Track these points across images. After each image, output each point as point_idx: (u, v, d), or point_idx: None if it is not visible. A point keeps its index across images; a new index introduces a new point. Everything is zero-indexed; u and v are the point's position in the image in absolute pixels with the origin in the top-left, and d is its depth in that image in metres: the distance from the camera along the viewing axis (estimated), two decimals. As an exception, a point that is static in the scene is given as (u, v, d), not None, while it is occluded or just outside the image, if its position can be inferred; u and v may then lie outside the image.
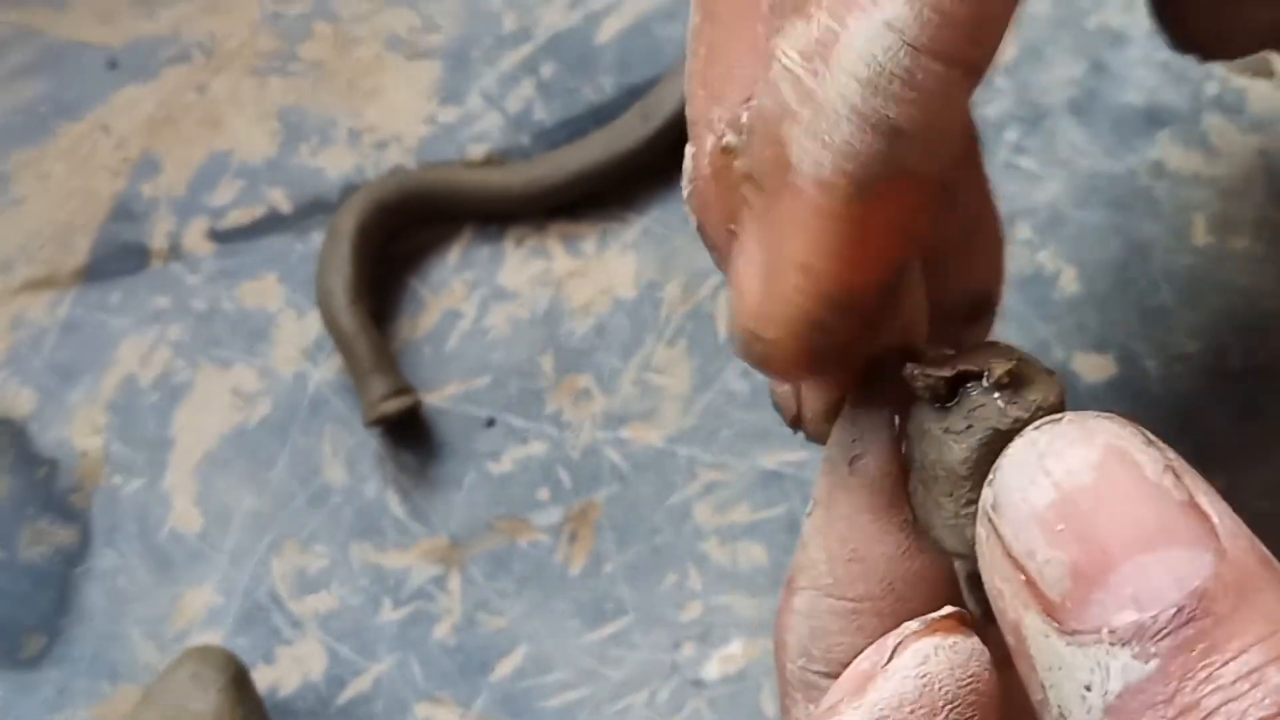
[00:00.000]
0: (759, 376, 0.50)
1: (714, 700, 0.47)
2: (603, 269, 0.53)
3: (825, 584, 0.31)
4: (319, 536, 0.49)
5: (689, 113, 0.33)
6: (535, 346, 0.52)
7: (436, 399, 0.51)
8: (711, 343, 0.51)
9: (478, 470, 0.50)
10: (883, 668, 0.27)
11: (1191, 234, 0.52)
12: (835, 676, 0.29)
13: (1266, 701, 0.23)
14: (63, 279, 0.53)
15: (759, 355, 0.30)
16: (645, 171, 0.53)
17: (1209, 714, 0.23)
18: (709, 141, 0.32)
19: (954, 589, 0.30)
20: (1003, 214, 0.51)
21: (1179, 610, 0.24)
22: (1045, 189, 0.53)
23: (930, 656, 0.27)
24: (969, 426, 0.28)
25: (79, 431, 0.51)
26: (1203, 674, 0.24)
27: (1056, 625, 0.25)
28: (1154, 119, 0.53)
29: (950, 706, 0.27)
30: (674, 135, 0.53)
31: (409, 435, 0.51)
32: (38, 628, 0.49)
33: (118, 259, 0.53)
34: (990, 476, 0.27)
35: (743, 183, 0.30)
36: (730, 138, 0.31)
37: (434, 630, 0.48)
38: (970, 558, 0.28)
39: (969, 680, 0.27)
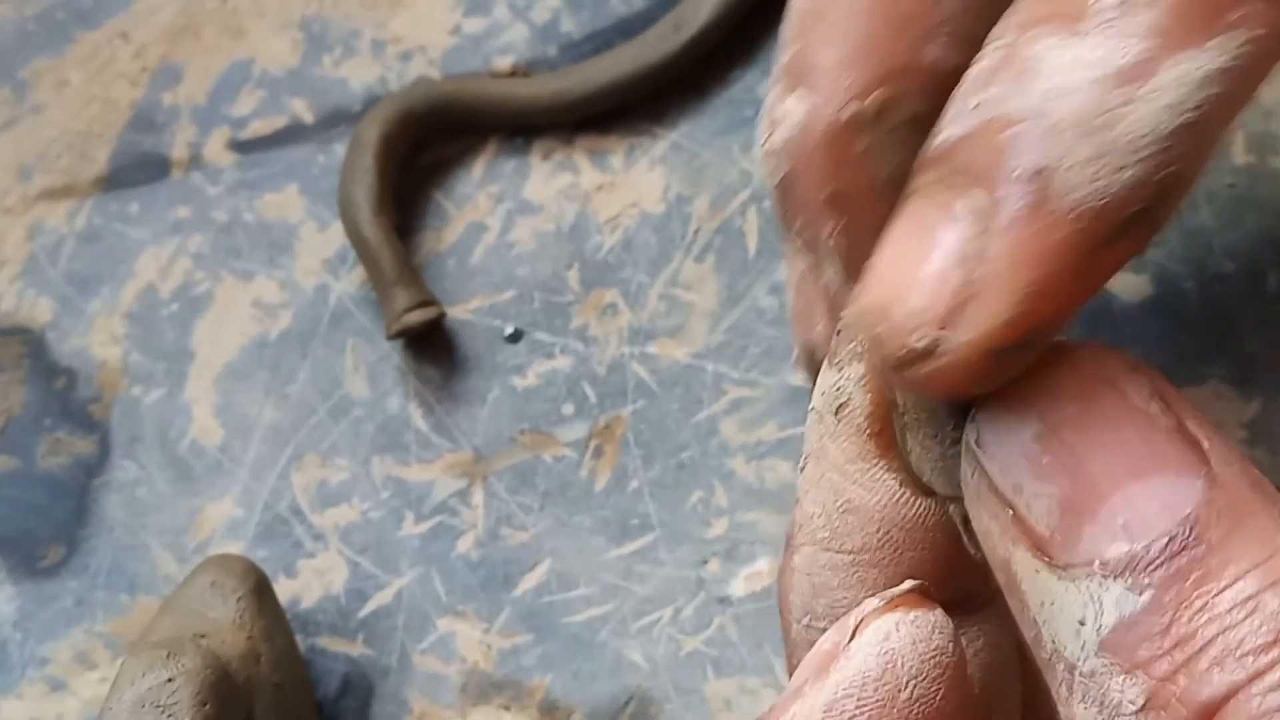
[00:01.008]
0: (788, 293, 0.50)
1: (739, 617, 0.46)
2: (630, 183, 0.52)
3: (822, 538, 0.30)
4: (340, 450, 0.49)
5: (794, 60, 0.31)
6: (561, 261, 0.51)
7: (461, 313, 0.50)
8: (739, 258, 0.50)
9: (502, 385, 0.49)
10: (845, 647, 0.27)
11: (1231, 153, 0.51)
12: None
13: (1263, 629, 0.23)
14: (81, 188, 0.52)
15: (919, 355, 0.27)
16: (675, 85, 0.52)
17: (1205, 644, 0.23)
18: (835, 102, 0.30)
19: (952, 535, 0.29)
20: (1039, 130, 0.50)
21: (1171, 539, 0.23)
22: (1082, 106, 0.51)
23: (892, 633, 0.27)
24: None
25: (98, 341, 0.50)
26: (1198, 603, 0.23)
27: (1047, 560, 0.24)
28: (1194, 36, 0.52)
29: (915, 681, 0.27)
30: (705, 48, 0.52)
31: (432, 349, 0.50)
32: (56, 538, 0.48)
33: (137, 168, 0.53)
34: (973, 412, 0.26)
35: (920, 172, 0.28)
36: (867, 105, 0.30)
37: (457, 544, 0.47)
38: (963, 500, 0.27)
39: (932, 654, 0.27)
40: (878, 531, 0.30)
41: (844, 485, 0.30)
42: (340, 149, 0.52)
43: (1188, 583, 0.23)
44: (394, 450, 0.49)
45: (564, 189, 0.52)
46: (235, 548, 0.47)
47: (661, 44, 0.52)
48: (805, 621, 0.31)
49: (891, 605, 0.27)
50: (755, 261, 0.50)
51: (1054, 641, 0.24)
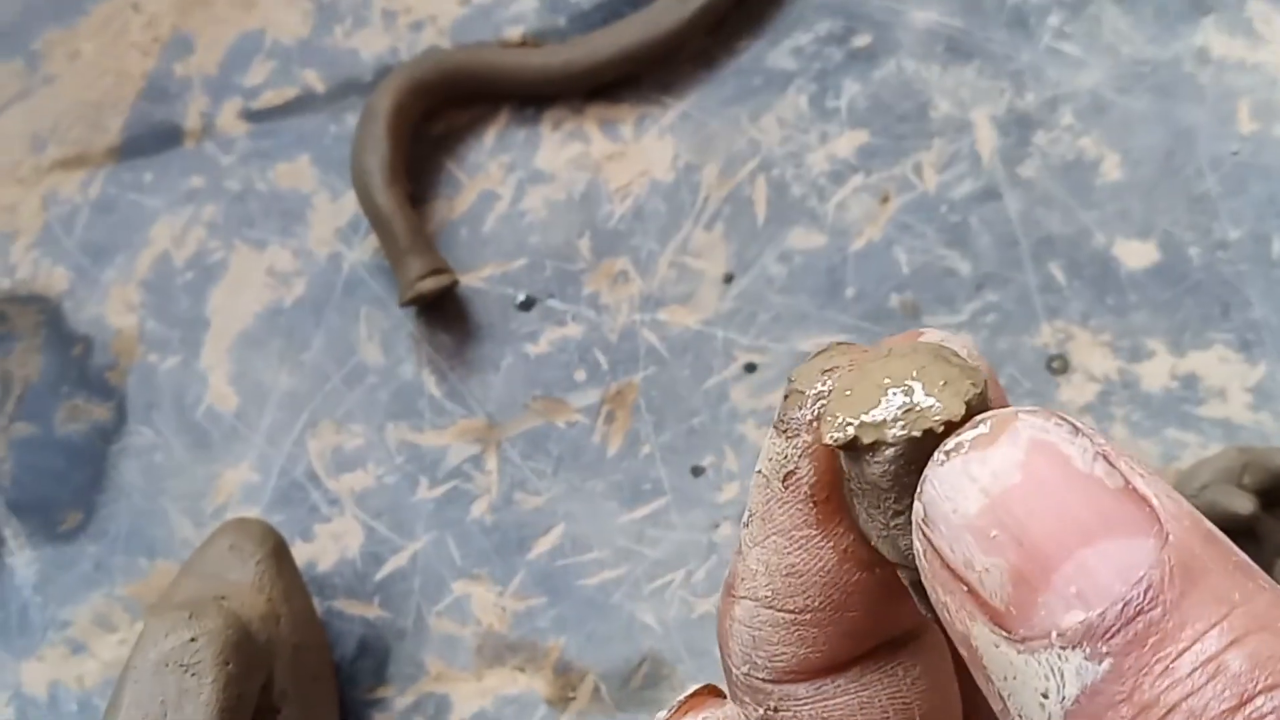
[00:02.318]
0: (797, 261, 0.50)
1: (752, 580, 0.47)
2: (640, 152, 0.52)
3: (764, 595, 0.31)
4: (355, 416, 0.49)
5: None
6: (572, 229, 0.51)
7: (473, 281, 0.51)
8: (749, 226, 0.51)
9: (515, 352, 0.50)
10: None
11: (1236, 121, 0.51)
12: (780, 683, 0.30)
13: (1226, 693, 0.22)
14: (95, 158, 0.53)
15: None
16: (683, 55, 0.53)
17: (1169, 710, 0.23)
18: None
19: (893, 591, 0.29)
20: (1044, 100, 0.51)
21: (1126, 603, 0.23)
22: (1088, 74, 0.52)
23: None
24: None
25: (113, 310, 0.51)
26: (1158, 668, 0.23)
27: (1005, 634, 0.24)
28: (1198, 5, 0.52)
29: None
30: (712, 18, 0.53)
31: (445, 317, 0.50)
32: (75, 504, 0.49)
33: (150, 138, 0.53)
34: (919, 489, 0.26)
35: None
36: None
37: (471, 509, 0.48)
38: (912, 567, 0.27)
39: None
40: (821, 594, 0.30)
41: (789, 548, 0.30)
42: (352, 119, 0.53)
43: (1146, 648, 0.23)
44: (408, 416, 0.49)
45: (575, 158, 0.52)
46: (252, 513, 0.48)
47: (669, 14, 0.52)
48: (745, 670, 0.31)
49: (681, 711, 0.29)
50: (764, 229, 0.51)
51: (1020, 715, 0.25)
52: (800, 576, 0.30)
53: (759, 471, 0.30)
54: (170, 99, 0.54)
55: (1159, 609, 0.23)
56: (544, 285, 0.51)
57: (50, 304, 0.51)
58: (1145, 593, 0.23)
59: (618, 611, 0.47)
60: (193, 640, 0.39)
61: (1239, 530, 0.44)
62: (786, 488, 0.30)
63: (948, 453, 0.25)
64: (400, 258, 0.49)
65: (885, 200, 0.51)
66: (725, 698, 0.30)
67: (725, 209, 0.51)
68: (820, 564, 0.30)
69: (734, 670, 0.31)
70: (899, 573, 0.29)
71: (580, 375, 0.49)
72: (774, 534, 0.30)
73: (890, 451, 0.27)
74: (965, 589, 0.25)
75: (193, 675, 0.38)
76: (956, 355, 0.27)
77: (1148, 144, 0.51)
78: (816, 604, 0.30)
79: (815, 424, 0.29)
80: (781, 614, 0.30)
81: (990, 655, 0.25)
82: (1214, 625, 0.23)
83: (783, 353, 0.49)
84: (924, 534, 0.26)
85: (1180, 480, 0.46)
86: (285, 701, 0.42)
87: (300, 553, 0.47)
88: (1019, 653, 0.24)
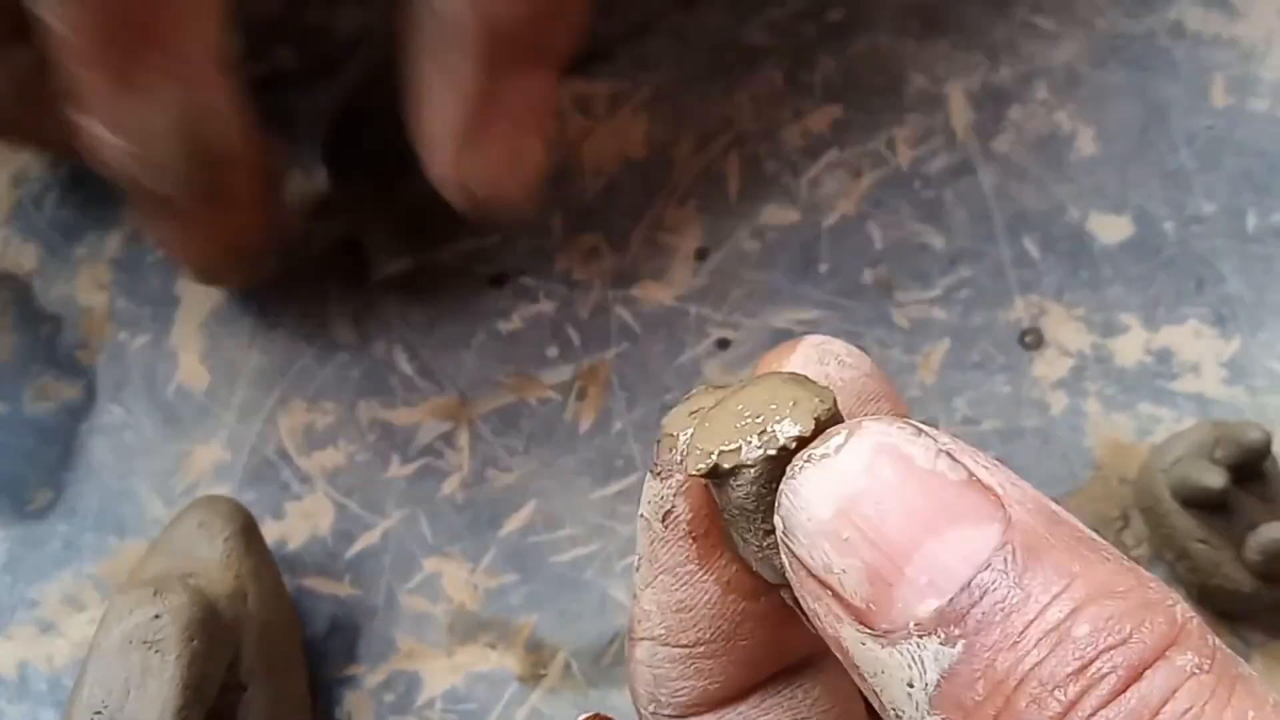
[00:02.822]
0: (771, 237, 0.50)
1: (724, 556, 0.47)
2: (613, 129, 0.52)
3: (659, 634, 0.32)
4: (326, 393, 0.49)
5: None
6: (545, 205, 0.51)
7: (446, 256, 0.50)
8: (722, 203, 0.51)
9: (487, 328, 0.50)
10: None
11: (1210, 95, 0.51)
12: (685, 717, 0.32)
13: (1072, 657, 0.23)
14: (66, 135, 0.52)
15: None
16: (657, 30, 0.53)
17: (1020, 682, 0.24)
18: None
19: (783, 616, 0.31)
20: (1019, 74, 0.51)
21: (973, 587, 0.24)
22: (1063, 49, 0.52)
23: None
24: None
25: (83, 288, 0.50)
26: (1007, 643, 0.24)
27: (869, 631, 0.25)
28: (1174, -22, 0.52)
29: None
30: (686, -8, 0.53)
31: (417, 293, 0.50)
32: (44, 482, 0.48)
33: (121, 115, 0.53)
34: (777, 503, 0.27)
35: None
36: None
37: (443, 486, 0.48)
38: (788, 585, 0.29)
39: None
40: (710, 628, 0.31)
41: (675, 586, 0.32)
42: (321, 96, 0.52)
43: (995, 626, 0.24)
44: (380, 394, 0.49)
45: (549, 135, 0.52)
46: (223, 491, 0.48)
47: (643, -12, 0.52)
48: (652, 709, 0.33)
49: None
50: (737, 204, 0.51)
51: (894, 708, 0.25)
52: (689, 611, 0.31)
53: (641, 515, 0.32)
54: (141, 76, 0.53)
55: (1004, 588, 0.24)
56: (516, 261, 0.50)
57: (19, 282, 0.51)
58: (990, 574, 0.24)
59: (590, 588, 0.47)
60: (157, 617, 0.39)
61: (1211, 504, 0.44)
62: (666, 527, 0.31)
63: (800, 466, 0.27)
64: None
65: (859, 175, 0.51)
66: None
67: (698, 185, 0.51)
68: (706, 596, 0.31)
69: (642, 711, 0.33)
70: (782, 594, 0.30)
71: (552, 351, 0.49)
72: (661, 573, 0.32)
73: (750, 474, 0.28)
74: (830, 593, 0.26)
75: (156, 652, 0.38)
76: (807, 380, 0.29)
77: (1122, 118, 0.51)
78: (708, 636, 0.31)
79: (683, 463, 0.30)
80: (677, 649, 0.32)
81: (859, 654, 0.26)
82: (1056, 597, 0.24)
83: (756, 328, 0.49)
84: (786, 546, 0.27)
85: (1153, 455, 0.46)
86: (253, 679, 0.41)
87: (271, 531, 0.47)
88: (883, 647, 0.25)
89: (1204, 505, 0.44)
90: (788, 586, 0.29)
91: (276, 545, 0.47)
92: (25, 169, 0.52)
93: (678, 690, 0.32)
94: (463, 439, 0.48)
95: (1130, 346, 0.48)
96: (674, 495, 0.32)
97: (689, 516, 0.32)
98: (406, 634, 0.46)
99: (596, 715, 0.34)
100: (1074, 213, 0.50)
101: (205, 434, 0.49)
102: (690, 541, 0.32)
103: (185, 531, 0.43)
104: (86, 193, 0.52)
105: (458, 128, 0.44)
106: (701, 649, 0.32)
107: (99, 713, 0.38)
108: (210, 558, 0.43)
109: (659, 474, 0.32)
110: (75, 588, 0.47)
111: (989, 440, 0.47)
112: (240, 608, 0.42)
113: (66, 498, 0.48)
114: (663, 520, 0.32)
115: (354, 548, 0.47)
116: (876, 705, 0.27)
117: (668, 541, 0.32)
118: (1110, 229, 0.50)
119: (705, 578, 0.32)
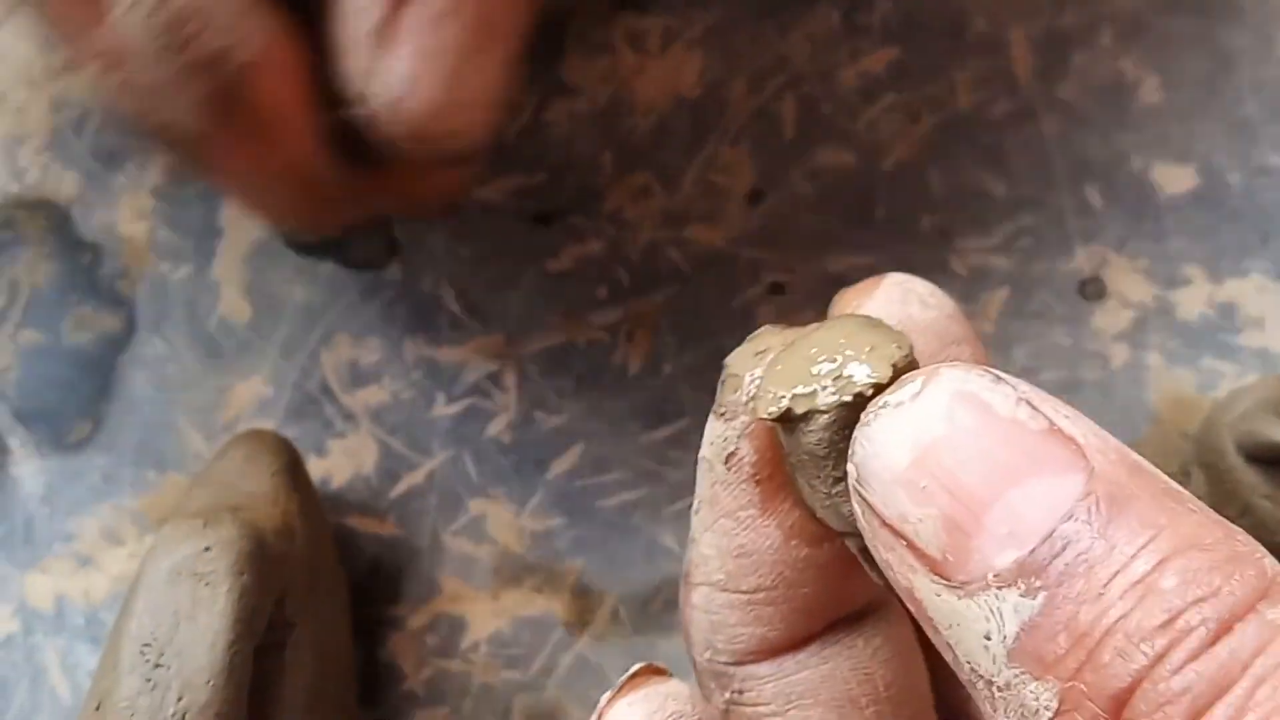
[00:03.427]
0: (826, 180, 0.49)
1: (775, 503, 0.46)
2: (666, 66, 0.51)
3: (718, 579, 0.31)
4: (372, 330, 0.48)
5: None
6: (595, 143, 0.50)
7: (493, 194, 0.49)
8: (777, 143, 0.50)
9: (534, 268, 0.49)
10: None
11: (1277, 44, 0.50)
12: (742, 664, 0.31)
13: (1158, 610, 0.23)
14: (107, 61, 0.51)
15: None
16: (713, -34, 0.52)
17: (1105, 634, 0.23)
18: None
19: (846, 564, 0.30)
20: (1083, 19, 0.50)
21: (1055, 537, 0.24)
22: (1128, -6, 0.51)
23: (626, 714, 0.31)
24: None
25: (124, 217, 0.49)
26: (1091, 595, 0.23)
27: (945, 582, 0.25)
28: (1244, -76, 0.51)
29: None
30: (744, -72, 0.51)
31: (465, 230, 0.49)
32: (83, 414, 0.47)
33: (164, 42, 0.51)
34: (850, 450, 0.27)
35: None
36: None
37: (489, 427, 0.47)
38: (858, 534, 0.28)
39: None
40: (771, 573, 0.31)
41: (736, 531, 0.31)
42: None
43: (1078, 577, 0.24)
44: (426, 331, 0.48)
45: (600, 71, 0.51)
46: (265, 426, 0.47)
47: (701, -77, 0.51)
48: (708, 655, 0.32)
49: (623, 690, 0.31)
50: (792, 147, 0.50)
51: (969, 661, 0.25)
52: (750, 556, 0.31)
53: (703, 457, 0.31)
54: (184, 3, 0.52)
55: (1087, 539, 0.23)
56: (565, 200, 0.49)
57: (59, 210, 0.50)
58: (1073, 525, 0.24)
59: (638, 534, 0.46)
60: (207, 550, 0.38)
61: (1277, 459, 0.43)
62: (729, 470, 0.30)
63: (875, 413, 0.26)
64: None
65: (917, 119, 0.50)
66: (668, 675, 0.32)
67: (752, 126, 0.50)
68: (768, 542, 0.30)
69: (697, 658, 0.32)
70: (847, 542, 0.29)
71: (601, 293, 0.48)
72: (721, 516, 0.31)
73: (823, 419, 0.28)
74: (904, 543, 0.25)
75: (206, 585, 0.37)
76: (884, 324, 0.29)
77: (1188, 67, 0.50)
78: (769, 582, 0.31)
79: (751, 405, 0.30)
80: (736, 595, 0.31)
81: (933, 605, 0.25)
82: (1142, 549, 0.23)
83: (810, 274, 0.48)
84: (860, 494, 0.26)
85: (1217, 409, 0.45)
86: (299, 616, 0.41)
87: (314, 468, 0.46)
88: (959, 598, 0.24)
89: (1270, 460, 0.43)
90: (855, 534, 0.29)
91: (320, 483, 0.46)
92: (65, 94, 0.51)
93: (735, 637, 0.31)
94: (510, 379, 0.47)
95: (1193, 299, 0.47)
96: (738, 437, 0.30)
97: (753, 459, 0.31)
98: (451, 576, 0.46)
99: (649, 665, 0.33)
100: (1137, 162, 0.49)
101: (247, 368, 0.48)
102: (754, 485, 0.31)
103: (232, 464, 0.42)
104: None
105: (377, 18, 0.36)
106: (762, 595, 0.31)
107: (148, 645, 0.37)
108: (258, 492, 0.42)
109: (723, 415, 0.31)
110: (114, 521, 0.46)
111: (1048, 391, 0.46)
112: (288, 543, 0.41)
113: (105, 430, 0.47)
114: (726, 462, 0.31)
115: (398, 487, 0.47)
116: (950, 658, 0.26)
117: (730, 484, 0.31)
118: (1174, 179, 0.49)
119: (768, 523, 0.31)
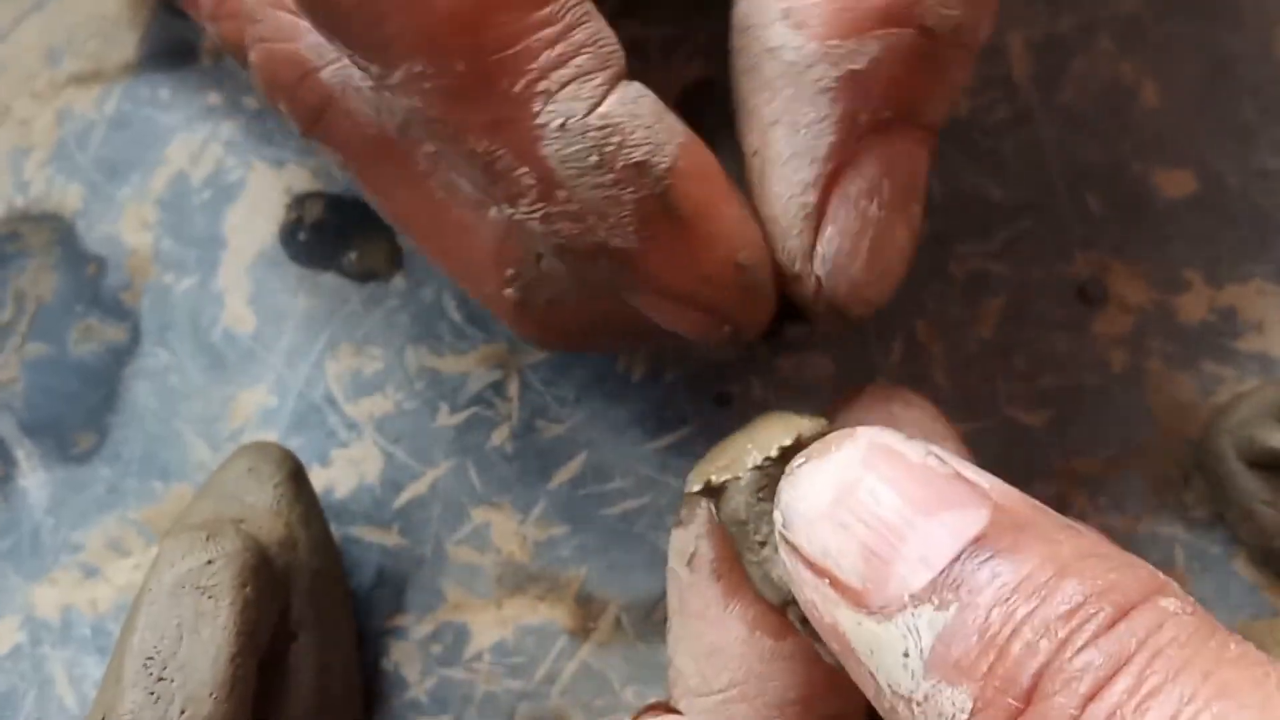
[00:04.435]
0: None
1: (777, 511, 0.46)
2: (668, 75, 0.51)
3: (694, 685, 0.34)
4: (374, 339, 0.48)
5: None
6: (596, 152, 0.50)
7: (495, 203, 0.49)
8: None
9: (536, 276, 0.49)
10: None
11: (1276, 47, 0.50)
12: None
13: (1061, 604, 0.25)
14: (110, 73, 0.51)
15: None
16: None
17: (1013, 632, 0.25)
18: None
19: (810, 660, 0.33)
20: (1082, 24, 0.50)
21: (965, 557, 0.26)
22: (1127, -1, 0.51)
23: None
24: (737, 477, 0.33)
25: (128, 228, 0.50)
26: (1000, 600, 0.26)
27: (865, 610, 0.27)
28: (1243, -72, 0.51)
29: None
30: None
31: (466, 239, 0.49)
32: (88, 425, 0.48)
33: (167, 53, 0.52)
34: (776, 500, 0.30)
35: None
36: None
37: (492, 436, 0.47)
38: (792, 600, 0.31)
39: None
40: (740, 667, 0.34)
41: (704, 630, 0.34)
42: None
43: (987, 587, 0.26)
44: (428, 340, 0.48)
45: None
46: (269, 436, 0.47)
47: (700, -69, 0.51)
48: None
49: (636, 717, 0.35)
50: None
51: (890, 685, 0.27)
52: (720, 653, 0.34)
53: (670, 569, 0.35)
54: (187, 14, 0.52)
55: (995, 556, 0.26)
56: (567, 209, 0.50)
57: (64, 222, 0.50)
58: (981, 546, 0.26)
59: (640, 541, 0.46)
60: (210, 563, 0.38)
61: (1278, 465, 0.43)
62: (693, 570, 0.34)
63: (798, 463, 0.30)
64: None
65: (917, 126, 0.50)
66: (678, 714, 0.34)
67: (753, 133, 0.50)
68: (734, 635, 0.34)
69: None
70: (788, 612, 0.32)
71: (603, 301, 0.48)
72: (691, 619, 0.34)
73: (742, 483, 0.32)
74: (826, 580, 0.28)
75: (210, 598, 0.38)
76: (803, 416, 0.34)
77: (1186, 71, 0.50)
78: (740, 677, 0.34)
79: (687, 488, 0.34)
80: (711, 697, 0.34)
81: (855, 635, 0.28)
82: (1045, 559, 0.26)
83: (810, 280, 0.48)
84: (785, 539, 0.29)
85: (1218, 414, 0.45)
86: (303, 628, 0.41)
87: (317, 478, 0.46)
88: (878, 624, 0.27)
89: (1270, 466, 0.43)
90: (793, 603, 0.32)
91: (323, 493, 0.46)
92: (70, 106, 0.51)
93: None
94: (512, 388, 0.48)
95: (1193, 304, 0.47)
96: (696, 538, 0.34)
97: (711, 556, 0.34)
98: (454, 585, 0.46)
99: (660, 702, 0.35)
100: (1136, 167, 0.49)
101: (251, 379, 0.48)
102: (716, 581, 0.34)
103: (234, 476, 0.43)
104: (132, 131, 0.51)
105: (808, 201, 0.37)
106: (734, 691, 0.34)
107: (151, 658, 0.37)
108: (260, 504, 0.42)
109: (682, 524, 0.35)
110: (119, 532, 0.47)
111: (1047, 397, 0.46)
112: (291, 556, 0.41)
113: (110, 441, 0.48)
114: (689, 564, 0.34)
115: (402, 497, 0.47)
116: (871, 692, 0.28)
117: (694, 585, 0.34)
118: (1173, 184, 0.49)
119: (732, 618, 0.34)
